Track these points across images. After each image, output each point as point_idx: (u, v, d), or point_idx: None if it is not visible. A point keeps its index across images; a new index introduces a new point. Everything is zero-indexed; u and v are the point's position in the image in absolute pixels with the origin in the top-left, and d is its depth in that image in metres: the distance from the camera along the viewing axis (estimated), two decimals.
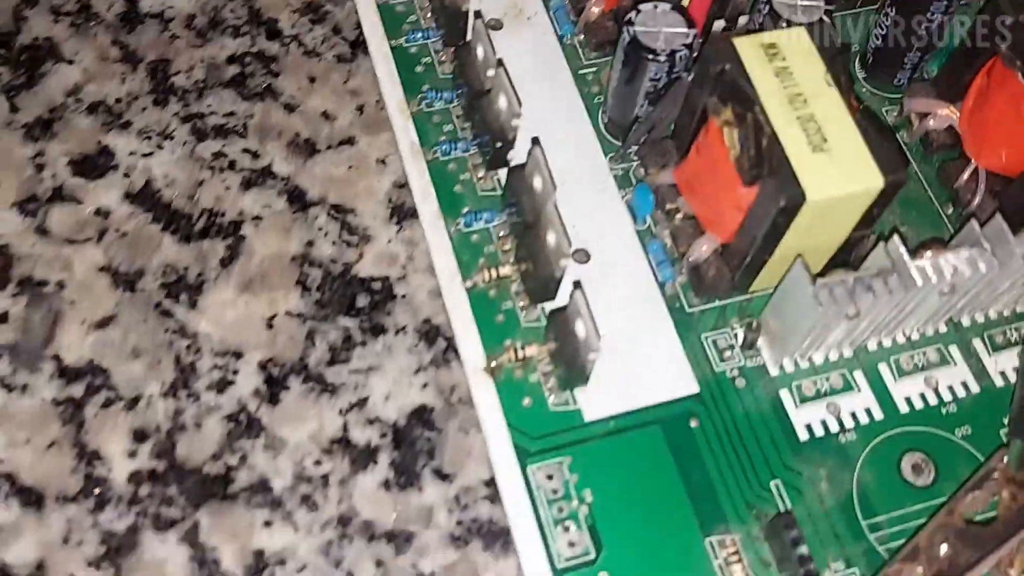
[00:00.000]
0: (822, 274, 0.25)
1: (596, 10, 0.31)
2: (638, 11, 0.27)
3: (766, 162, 0.24)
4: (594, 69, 0.31)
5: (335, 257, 0.29)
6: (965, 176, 0.28)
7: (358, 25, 0.32)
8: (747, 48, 0.25)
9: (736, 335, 0.27)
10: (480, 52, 0.28)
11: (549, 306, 0.27)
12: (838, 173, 0.23)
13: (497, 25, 0.31)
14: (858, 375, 0.27)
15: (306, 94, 0.32)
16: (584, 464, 0.25)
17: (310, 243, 0.29)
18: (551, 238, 0.25)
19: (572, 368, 0.25)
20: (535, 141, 0.26)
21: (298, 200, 0.30)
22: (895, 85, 0.31)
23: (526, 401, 0.26)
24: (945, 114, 0.29)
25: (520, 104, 0.27)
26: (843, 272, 0.24)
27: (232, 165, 0.30)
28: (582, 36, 0.31)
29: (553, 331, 0.26)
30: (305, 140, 0.31)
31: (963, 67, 0.28)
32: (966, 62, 0.28)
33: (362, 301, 0.28)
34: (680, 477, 0.25)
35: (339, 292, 0.28)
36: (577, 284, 0.25)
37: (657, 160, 0.28)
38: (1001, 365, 0.27)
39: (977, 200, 0.28)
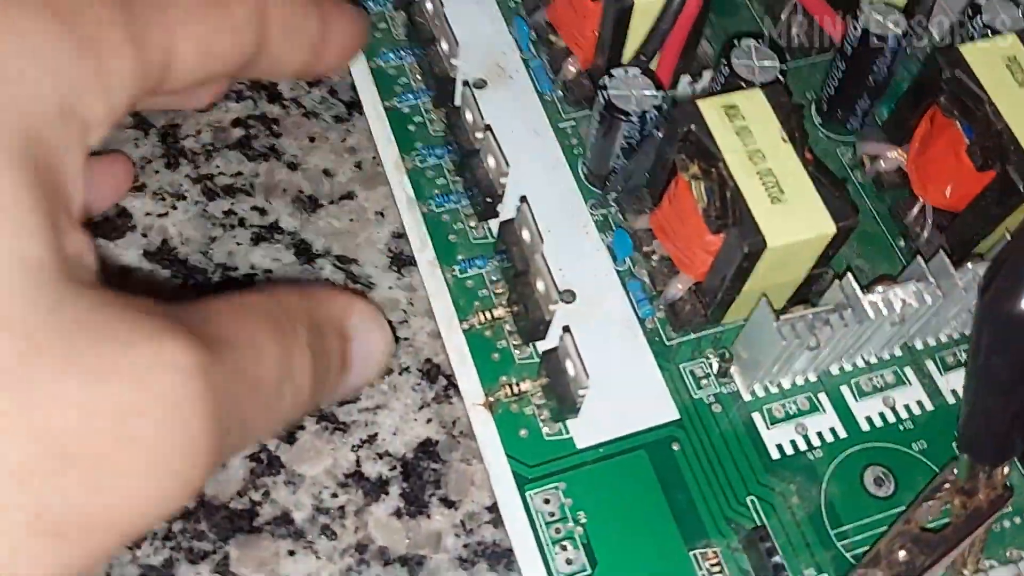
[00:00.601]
0: (786, 308, 0.28)
1: (572, 69, 0.33)
2: (611, 76, 0.29)
3: (730, 213, 0.26)
4: (572, 123, 0.34)
5: None
6: (914, 212, 0.31)
7: (353, 87, 0.35)
8: (710, 110, 0.27)
9: (711, 364, 0.30)
10: (469, 117, 0.31)
11: (541, 345, 0.29)
12: (795, 221, 0.26)
13: (481, 84, 0.34)
14: (822, 397, 0.29)
15: (307, 153, 0.34)
16: (578, 488, 0.27)
17: None
18: (540, 285, 0.28)
19: (564, 402, 0.27)
20: (523, 199, 0.29)
21: (304, 253, 0.32)
22: (848, 129, 0.34)
23: (523, 432, 0.28)
24: (894, 156, 0.32)
25: (508, 164, 0.29)
26: (803, 308, 0.27)
27: (242, 222, 0.32)
28: (560, 93, 0.34)
29: (545, 369, 0.28)
30: (308, 196, 0.33)
31: (909, 113, 0.31)
32: (911, 109, 0.31)
33: None
34: (665, 496, 0.27)
35: None
36: (567, 328, 0.28)
37: (634, 207, 0.31)
38: (952, 384, 0.30)
39: (925, 234, 0.31)
